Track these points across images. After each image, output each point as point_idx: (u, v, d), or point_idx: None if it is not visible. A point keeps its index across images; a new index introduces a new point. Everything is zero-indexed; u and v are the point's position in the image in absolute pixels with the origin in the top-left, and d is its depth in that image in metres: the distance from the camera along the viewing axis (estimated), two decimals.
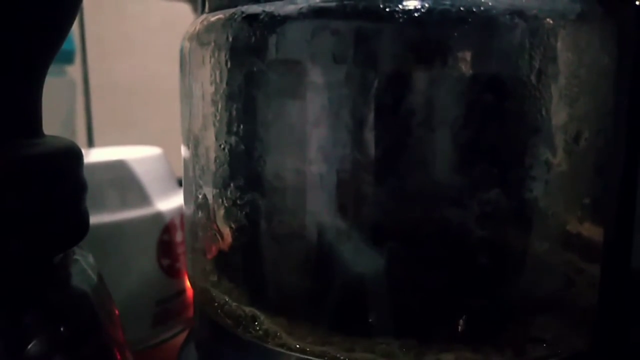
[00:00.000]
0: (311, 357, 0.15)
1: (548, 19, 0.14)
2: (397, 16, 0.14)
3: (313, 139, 0.15)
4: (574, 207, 0.16)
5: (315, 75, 0.15)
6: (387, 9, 0.14)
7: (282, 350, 0.15)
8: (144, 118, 0.59)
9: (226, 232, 0.18)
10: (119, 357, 0.14)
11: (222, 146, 0.17)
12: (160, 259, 0.26)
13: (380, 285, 0.15)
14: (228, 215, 0.18)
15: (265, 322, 0.16)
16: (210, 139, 0.18)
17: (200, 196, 0.19)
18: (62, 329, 0.12)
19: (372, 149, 0.15)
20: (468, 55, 0.14)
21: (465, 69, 0.14)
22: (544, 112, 0.15)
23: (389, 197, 0.15)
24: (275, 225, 0.17)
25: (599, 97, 0.15)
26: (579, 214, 0.16)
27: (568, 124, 0.15)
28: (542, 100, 0.15)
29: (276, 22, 0.15)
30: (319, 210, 0.16)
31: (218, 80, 0.17)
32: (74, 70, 0.46)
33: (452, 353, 0.14)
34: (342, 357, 0.14)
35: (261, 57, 0.16)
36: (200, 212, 0.19)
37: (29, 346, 0.11)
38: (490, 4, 0.14)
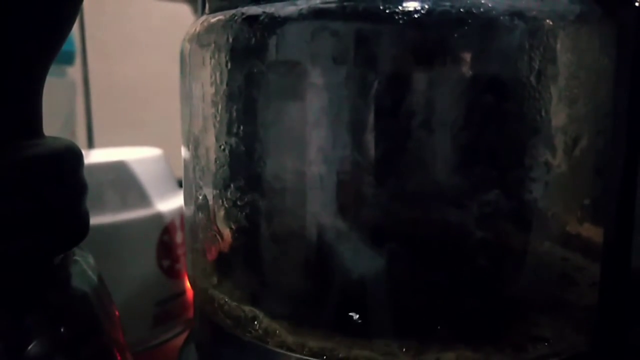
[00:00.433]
0: (311, 358, 0.15)
1: (547, 20, 0.14)
2: (396, 17, 0.14)
3: (313, 140, 0.15)
4: (574, 208, 0.16)
5: (315, 77, 0.15)
6: (387, 10, 0.14)
7: (282, 351, 0.15)
8: (144, 119, 0.59)
9: (226, 232, 0.18)
10: (119, 357, 0.14)
11: (222, 147, 0.17)
12: (160, 259, 0.26)
13: (380, 285, 0.15)
14: (228, 216, 0.18)
15: (265, 321, 0.16)
16: (210, 140, 0.18)
17: (200, 197, 0.19)
18: (62, 329, 0.12)
19: (371, 150, 0.15)
20: (467, 56, 0.14)
21: (465, 70, 0.14)
22: (543, 113, 0.15)
23: (389, 198, 0.15)
24: (276, 226, 0.17)
25: (599, 98, 0.15)
26: (578, 214, 0.16)
27: (568, 125, 0.15)
28: (541, 101, 0.15)
29: (276, 23, 0.15)
30: (319, 211, 0.16)
31: (218, 81, 0.17)
32: (74, 71, 0.46)
33: (453, 352, 0.14)
34: (342, 356, 0.14)
35: (261, 58, 0.16)
36: (200, 213, 0.19)
37: (30, 347, 0.11)
38: (489, 5, 0.14)
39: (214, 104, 0.17)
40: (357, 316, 0.15)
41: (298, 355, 0.15)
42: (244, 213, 0.17)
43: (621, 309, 0.14)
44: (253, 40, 0.16)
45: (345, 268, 0.16)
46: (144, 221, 0.25)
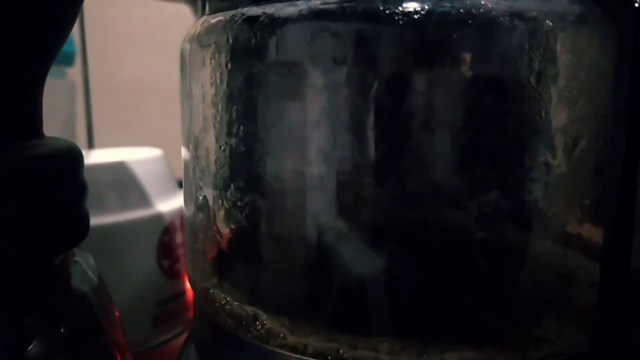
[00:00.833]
0: (312, 359, 0.15)
1: (547, 21, 0.14)
2: (396, 18, 0.14)
3: (313, 140, 0.15)
4: (574, 208, 0.16)
5: (315, 77, 0.15)
6: (387, 11, 0.14)
7: (283, 352, 0.15)
8: (144, 119, 0.59)
9: (226, 233, 0.18)
10: (119, 358, 0.14)
11: (223, 147, 0.17)
12: (160, 260, 0.26)
13: (381, 286, 0.15)
14: (228, 217, 0.18)
15: (267, 321, 0.16)
16: (210, 141, 0.18)
17: (200, 197, 0.19)
18: (62, 330, 0.12)
19: (371, 151, 0.15)
20: (467, 57, 0.14)
21: (465, 70, 0.14)
22: (543, 114, 0.15)
23: (389, 198, 0.15)
24: (276, 226, 0.17)
25: (599, 99, 0.15)
26: (578, 215, 0.16)
27: (567, 125, 0.15)
28: (541, 102, 0.15)
29: (276, 24, 0.15)
30: (319, 211, 0.16)
31: (218, 81, 0.17)
32: (74, 72, 0.46)
33: (455, 353, 0.14)
34: (345, 355, 0.14)
35: (261, 59, 0.16)
36: (200, 214, 0.19)
37: (30, 347, 0.11)
38: (489, 5, 0.14)
39: (214, 104, 0.18)
40: (371, 320, 0.15)
41: (299, 356, 0.15)
42: (244, 213, 0.17)
43: (621, 309, 0.14)
44: (253, 40, 0.16)
45: (346, 268, 0.16)
46: (144, 221, 0.25)
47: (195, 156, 0.19)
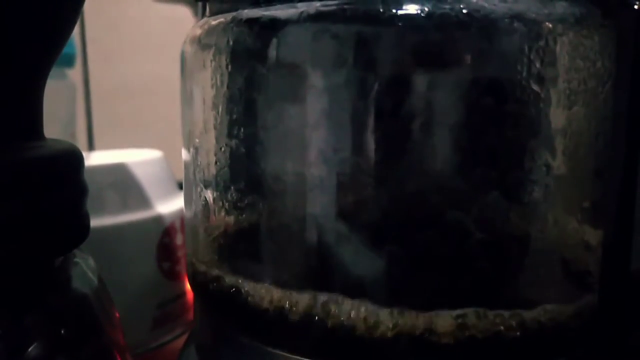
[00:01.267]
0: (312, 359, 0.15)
1: (547, 23, 0.14)
2: (396, 20, 0.14)
3: (313, 142, 0.15)
4: (574, 210, 0.16)
5: (316, 79, 0.15)
6: (387, 13, 0.14)
7: (283, 353, 0.15)
8: (144, 121, 0.59)
9: (226, 234, 0.18)
10: (119, 359, 0.14)
11: (223, 149, 0.17)
12: (160, 261, 0.26)
13: (380, 287, 0.15)
14: (228, 218, 0.18)
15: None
16: (210, 142, 0.18)
17: (200, 199, 0.19)
18: (62, 331, 0.12)
19: (372, 153, 0.15)
20: (467, 59, 0.14)
21: (465, 72, 0.14)
22: (543, 116, 0.15)
23: (389, 200, 0.15)
24: (276, 227, 0.17)
25: (598, 101, 0.15)
26: (578, 216, 0.16)
27: (567, 127, 0.15)
28: (541, 103, 0.15)
29: (277, 25, 0.15)
30: (319, 213, 0.16)
31: (219, 83, 0.17)
32: (74, 74, 0.46)
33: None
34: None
35: (262, 61, 0.16)
36: (200, 215, 0.19)
37: (30, 348, 0.11)
38: (489, 8, 0.14)
39: (215, 106, 0.18)
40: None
41: (298, 358, 0.15)
42: (244, 215, 0.17)
43: (621, 309, 0.14)
44: (253, 42, 0.16)
45: (346, 269, 0.16)
46: (144, 223, 0.25)
47: (195, 158, 0.19)
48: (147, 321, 0.25)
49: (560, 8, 0.15)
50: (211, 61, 0.17)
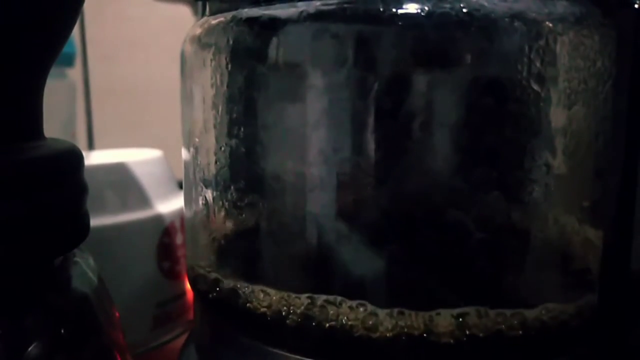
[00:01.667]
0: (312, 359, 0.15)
1: (547, 23, 0.14)
2: (397, 19, 0.14)
3: (313, 141, 0.15)
4: (574, 210, 0.16)
5: (316, 78, 0.15)
6: (387, 13, 0.14)
7: (283, 353, 0.15)
8: (144, 120, 0.59)
9: (226, 234, 0.18)
10: (119, 359, 0.14)
11: (223, 148, 0.17)
12: (160, 261, 0.26)
13: (380, 286, 0.15)
14: (228, 217, 0.18)
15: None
16: (210, 142, 0.18)
17: (200, 198, 0.19)
18: (62, 331, 0.12)
19: (372, 152, 0.15)
20: (467, 58, 0.14)
21: (465, 72, 0.14)
22: (543, 116, 0.15)
23: (389, 199, 0.15)
24: (276, 227, 0.17)
25: (598, 100, 0.15)
26: (578, 216, 0.16)
27: (567, 127, 0.15)
28: (541, 103, 0.15)
29: (277, 25, 0.15)
30: (319, 212, 0.16)
31: (219, 83, 0.17)
32: (74, 73, 0.46)
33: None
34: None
35: (262, 60, 0.16)
36: (200, 215, 0.19)
37: (30, 348, 0.11)
38: (489, 7, 0.14)
39: (215, 105, 0.18)
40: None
41: (299, 357, 0.15)
42: (244, 214, 0.17)
43: (621, 309, 0.14)
44: (253, 42, 0.16)
45: (346, 269, 0.16)
46: (144, 223, 0.25)
47: (195, 157, 0.19)
48: (147, 321, 0.25)
49: (561, 7, 0.15)
50: (211, 60, 0.17)
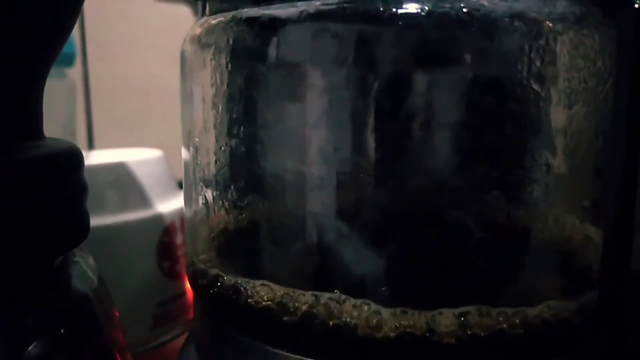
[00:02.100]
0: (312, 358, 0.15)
1: (547, 22, 0.14)
2: (397, 19, 0.14)
3: (313, 141, 0.15)
4: (574, 209, 0.16)
5: (316, 78, 0.15)
6: (387, 12, 0.14)
7: (283, 352, 0.15)
8: (144, 120, 0.59)
9: (226, 233, 0.18)
10: (119, 358, 0.14)
11: (223, 148, 0.17)
12: (160, 261, 0.26)
13: (380, 286, 0.15)
14: (228, 217, 0.18)
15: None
16: (210, 141, 0.18)
17: (200, 198, 0.19)
18: (62, 330, 0.12)
19: (372, 151, 0.15)
20: (467, 58, 0.14)
21: (465, 71, 0.14)
22: (543, 115, 0.15)
23: (389, 199, 0.15)
24: (276, 226, 0.17)
25: (598, 100, 0.15)
26: (579, 215, 0.16)
27: (567, 126, 0.15)
28: (541, 102, 0.15)
29: (277, 25, 0.15)
30: (319, 212, 0.16)
31: (219, 82, 0.17)
32: (74, 73, 0.46)
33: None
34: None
35: (262, 60, 0.16)
36: (200, 214, 0.19)
37: (30, 348, 0.11)
38: (489, 7, 0.14)
39: (215, 105, 0.18)
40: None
41: (299, 357, 0.15)
42: (244, 214, 0.17)
43: (621, 309, 0.14)
44: (253, 41, 0.16)
45: (346, 268, 0.16)
46: (144, 222, 0.25)
47: (195, 157, 0.19)
48: (147, 320, 0.25)
49: (561, 7, 0.15)
50: (211, 60, 0.17)
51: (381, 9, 0.14)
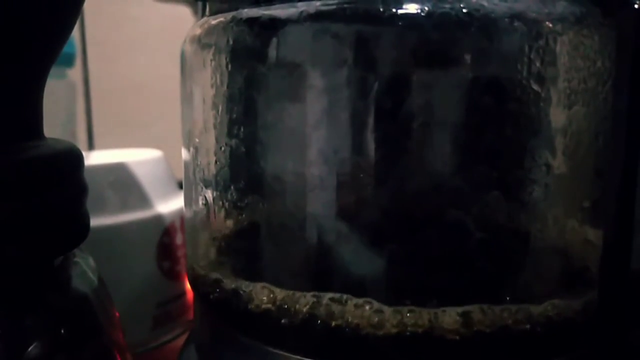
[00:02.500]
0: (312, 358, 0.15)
1: (547, 23, 0.14)
2: (397, 20, 0.14)
3: (313, 141, 0.15)
4: (574, 209, 0.16)
5: (316, 78, 0.15)
6: (387, 13, 0.14)
7: (284, 353, 0.15)
8: (144, 120, 0.59)
9: (226, 234, 0.18)
10: (119, 359, 0.14)
11: (223, 149, 0.17)
12: (160, 261, 0.26)
13: (380, 286, 0.15)
14: (228, 217, 0.18)
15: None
16: (210, 142, 0.18)
17: (200, 198, 0.19)
18: (62, 331, 0.12)
19: (372, 152, 0.15)
20: (467, 58, 0.14)
21: (465, 72, 0.14)
22: (543, 115, 0.15)
23: (389, 199, 0.15)
24: (276, 227, 0.17)
25: (598, 100, 0.15)
26: (578, 215, 0.16)
27: (567, 126, 0.15)
28: (541, 103, 0.15)
29: (277, 25, 0.15)
30: (320, 212, 0.16)
31: (219, 83, 0.17)
32: (74, 73, 0.46)
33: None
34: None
35: (262, 60, 0.16)
36: (200, 215, 0.19)
37: (30, 348, 0.11)
38: (489, 7, 0.14)
39: (215, 105, 0.18)
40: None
41: (299, 358, 0.15)
42: (244, 214, 0.17)
43: (621, 309, 0.14)
44: (253, 42, 0.16)
45: (346, 269, 0.16)
46: (144, 223, 0.25)
47: (195, 157, 0.19)
48: (147, 321, 0.25)
49: (560, 7, 0.15)
50: (211, 60, 0.17)
51: (381, 9, 0.14)
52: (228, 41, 0.17)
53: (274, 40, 0.15)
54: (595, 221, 0.16)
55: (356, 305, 0.14)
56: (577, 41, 0.15)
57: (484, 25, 0.14)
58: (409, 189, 0.15)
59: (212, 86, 0.17)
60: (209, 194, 0.18)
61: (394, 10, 0.14)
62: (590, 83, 0.15)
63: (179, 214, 0.27)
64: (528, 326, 0.14)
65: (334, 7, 0.15)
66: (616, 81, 0.14)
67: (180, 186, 0.22)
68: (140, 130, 0.55)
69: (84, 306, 0.13)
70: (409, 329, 0.14)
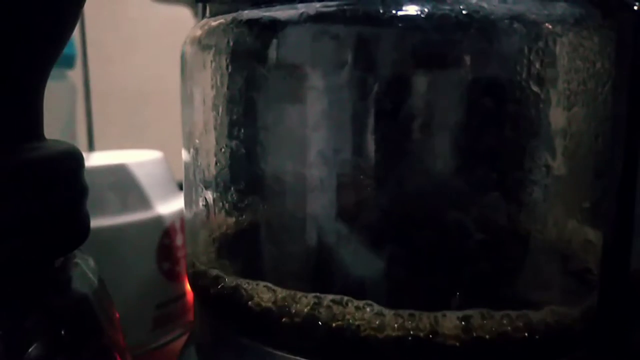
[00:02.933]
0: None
1: (547, 24, 0.14)
2: (396, 21, 0.14)
3: (313, 142, 0.16)
4: (574, 210, 0.16)
5: (316, 80, 0.15)
6: (387, 14, 0.14)
7: (283, 354, 0.15)
8: (144, 122, 0.60)
9: (226, 235, 0.18)
10: None
11: (223, 150, 0.17)
12: (160, 262, 0.26)
13: (380, 286, 0.15)
14: (229, 219, 0.18)
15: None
16: (211, 143, 0.18)
17: (200, 199, 0.19)
18: (62, 332, 0.12)
19: (372, 153, 0.15)
20: (467, 59, 0.14)
21: (465, 73, 0.14)
22: (542, 117, 0.15)
23: (389, 200, 0.15)
24: (276, 228, 0.17)
25: (598, 101, 0.15)
26: (578, 217, 0.16)
27: (567, 128, 0.15)
28: (541, 104, 0.15)
29: (277, 26, 0.15)
30: (320, 213, 0.16)
31: (219, 84, 0.17)
32: (74, 75, 0.46)
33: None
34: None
35: (262, 62, 0.16)
36: (200, 216, 0.19)
37: (30, 349, 0.11)
38: (489, 9, 0.14)
39: (215, 107, 0.18)
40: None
41: (299, 357, 0.15)
42: (244, 215, 0.17)
43: (621, 309, 0.14)
44: (253, 43, 0.16)
45: (346, 270, 0.16)
46: (144, 224, 0.25)
47: (195, 158, 0.19)
48: (147, 322, 0.25)
49: (560, 9, 0.15)
50: (211, 62, 0.17)
51: (381, 11, 0.14)
52: (228, 42, 0.17)
53: (274, 41, 0.15)
54: (595, 222, 0.16)
55: (357, 308, 0.14)
56: (577, 43, 0.15)
57: (483, 26, 0.14)
58: (409, 191, 0.15)
59: (212, 87, 0.17)
60: (209, 195, 0.18)
61: (393, 11, 0.14)
62: (589, 84, 0.15)
63: (179, 215, 0.27)
64: (529, 331, 0.14)
65: (334, 8, 0.15)
66: (616, 82, 0.14)
67: (181, 187, 0.22)
68: (141, 131, 0.55)
69: (84, 307, 0.13)
70: (409, 332, 0.14)
